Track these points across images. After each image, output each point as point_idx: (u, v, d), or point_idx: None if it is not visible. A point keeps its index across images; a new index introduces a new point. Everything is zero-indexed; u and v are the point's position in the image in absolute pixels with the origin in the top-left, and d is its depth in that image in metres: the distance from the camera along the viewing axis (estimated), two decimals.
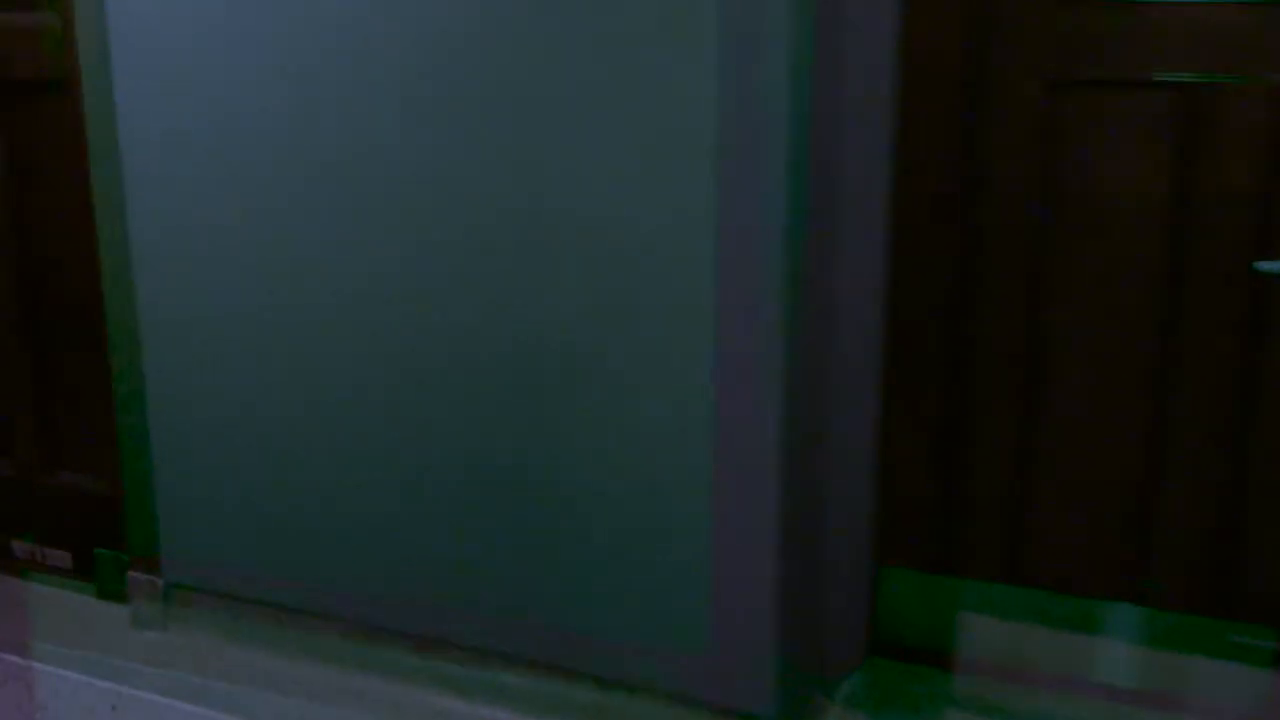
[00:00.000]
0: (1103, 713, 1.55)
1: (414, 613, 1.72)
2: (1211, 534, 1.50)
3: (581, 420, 1.56)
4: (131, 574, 1.92)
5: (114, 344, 1.84)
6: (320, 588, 1.77)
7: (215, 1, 1.63)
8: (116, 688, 1.78)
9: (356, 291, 1.65)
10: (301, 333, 1.70)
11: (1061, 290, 1.51)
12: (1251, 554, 1.49)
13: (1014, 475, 1.57)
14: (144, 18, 1.68)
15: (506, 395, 1.59)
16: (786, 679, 1.56)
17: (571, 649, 1.64)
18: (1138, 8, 1.41)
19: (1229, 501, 1.49)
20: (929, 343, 1.57)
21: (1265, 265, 1.41)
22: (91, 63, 1.75)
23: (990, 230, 1.52)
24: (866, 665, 1.65)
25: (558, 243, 1.52)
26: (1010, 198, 1.50)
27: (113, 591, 1.96)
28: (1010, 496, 1.58)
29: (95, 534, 1.99)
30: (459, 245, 1.58)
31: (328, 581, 1.76)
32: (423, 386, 1.64)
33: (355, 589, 1.75)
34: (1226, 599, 1.50)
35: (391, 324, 1.64)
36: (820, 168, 1.47)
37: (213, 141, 1.68)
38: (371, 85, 1.57)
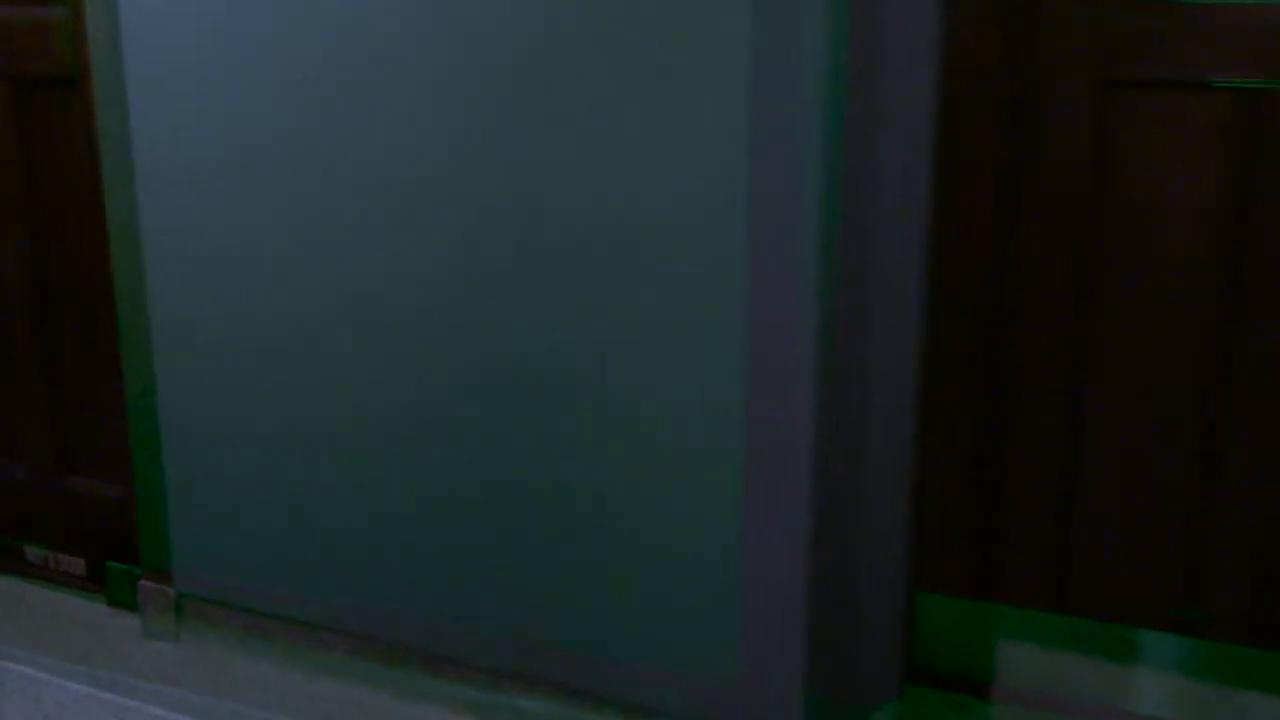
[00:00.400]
0: None
1: (430, 631, 1.70)
2: (1269, 561, 1.45)
3: (606, 434, 1.53)
4: (142, 583, 1.90)
5: (125, 345, 1.82)
6: (333, 602, 1.75)
7: None
8: (124, 701, 1.76)
9: (374, 294, 1.63)
10: (317, 337, 1.67)
11: (1110, 302, 1.46)
12: None
13: (1057, 499, 1.53)
14: (155, 13, 1.66)
15: (528, 408, 1.57)
16: (819, 708, 1.52)
17: (593, 674, 1.61)
18: (1194, 8, 1.36)
19: None
20: (969, 359, 1.53)
21: None
22: (103, 58, 1.73)
23: (1035, 237, 1.48)
24: (902, 694, 1.61)
25: (580, 246, 1.50)
26: (1056, 203, 1.46)
27: (124, 601, 1.95)
28: (1053, 520, 1.53)
29: (108, 540, 1.98)
30: (479, 246, 1.55)
31: (341, 596, 1.74)
32: (442, 397, 1.61)
33: (370, 605, 1.73)
34: None
35: (412, 330, 1.62)
36: (856, 169, 1.44)
37: (225, 139, 1.66)
38: (388, 81, 1.55)
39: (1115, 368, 1.48)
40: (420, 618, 1.70)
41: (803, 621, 1.48)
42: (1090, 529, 1.52)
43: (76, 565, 2.02)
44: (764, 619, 1.50)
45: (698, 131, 1.41)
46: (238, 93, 1.64)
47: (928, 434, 1.55)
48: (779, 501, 1.46)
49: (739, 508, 1.48)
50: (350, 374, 1.67)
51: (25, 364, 2.00)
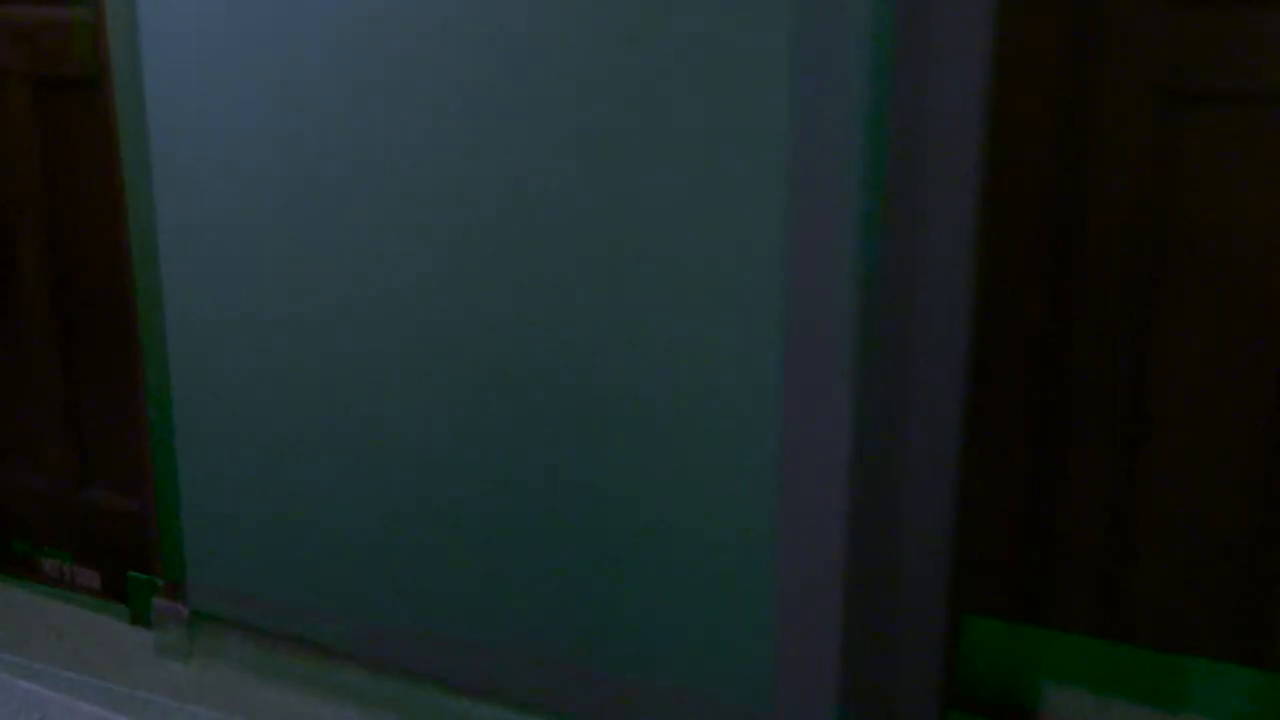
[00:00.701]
0: None
1: (451, 654, 1.67)
2: None
3: (635, 451, 1.50)
4: (156, 600, 1.89)
5: (146, 353, 1.81)
6: (354, 625, 1.73)
7: None
8: None
9: (397, 304, 1.61)
10: (340, 347, 1.65)
11: (1169, 322, 1.43)
12: None
13: (1112, 517, 1.48)
14: (175, 13, 1.66)
15: (560, 426, 1.54)
16: None
17: (622, 698, 1.58)
18: (1269, 14, 1.31)
19: None
20: (1018, 372, 1.49)
21: None
22: (122, 59, 1.72)
23: (1092, 256, 1.44)
24: None
25: (610, 255, 1.47)
26: (1116, 220, 1.42)
27: (146, 617, 1.94)
28: (1108, 540, 1.49)
29: (125, 553, 1.97)
30: (508, 250, 1.53)
31: (362, 619, 1.72)
32: (467, 410, 1.59)
33: (392, 628, 1.71)
34: None
35: (434, 340, 1.59)
36: (899, 174, 1.40)
37: (243, 141, 1.65)
38: (412, 82, 1.53)
39: (1177, 387, 1.44)
40: (441, 639, 1.68)
41: (838, 643, 1.45)
42: (1147, 552, 1.48)
43: (92, 578, 2.02)
44: (798, 641, 1.47)
45: (733, 131, 1.38)
46: (256, 94, 1.63)
47: (974, 450, 1.50)
48: (814, 518, 1.43)
49: (772, 525, 1.45)
50: (370, 386, 1.64)
51: (44, 370, 1.99)
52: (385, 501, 1.67)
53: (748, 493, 1.45)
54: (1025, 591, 1.54)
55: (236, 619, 1.82)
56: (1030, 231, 1.45)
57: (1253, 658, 1.44)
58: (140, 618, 1.94)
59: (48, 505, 2.04)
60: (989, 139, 1.42)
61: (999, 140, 1.42)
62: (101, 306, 1.91)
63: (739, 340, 1.42)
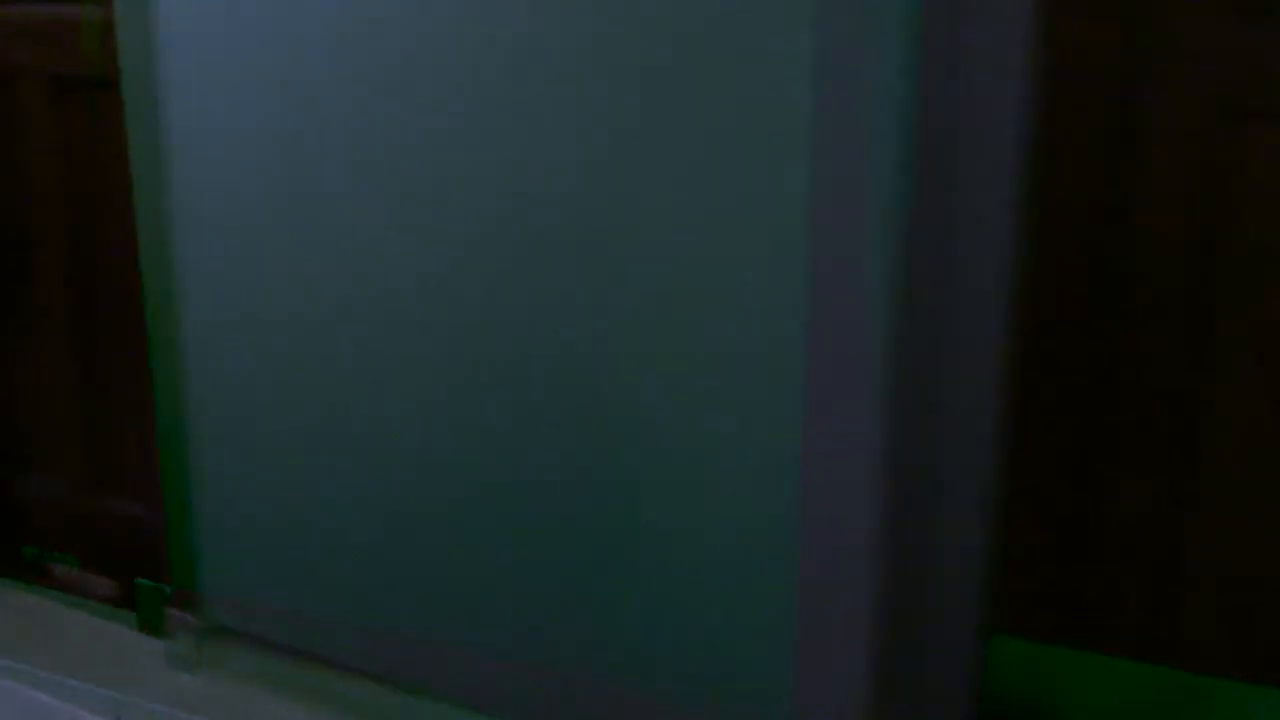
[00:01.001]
0: None
1: (471, 672, 1.66)
2: None
3: (652, 458, 1.49)
4: (168, 610, 1.88)
5: (158, 356, 1.80)
6: (370, 641, 1.72)
7: None
8: None
9: (413, 307, 1.59)
10: (354, 351, 1.64)
11: (1224, 340, 1.40)
12: None
13: (1154, 536, 1.46)
14: (189, 12, 1.66)
15: (570, 429, 1.53)
16: None
17: (635, 713, 1.56)
18: None
19: None
20: (1062, 384, 1.48)
21: None
22: (135, 58, 1.71)
23: (1141, 276, 1.42)
24: None
25: (629, 257, 1.46)
26: (1169, 236, 1.40)
27: (154, 625, 1.93)
28: (1148, 558, 1.47)
29: (136, 560, 1.96)
30: (518, 256, 1.52)
31: (377, 635, 1.71)
32: (490, 421, 1.57)
33: (405, 640, 1.69)
34: None
35: (455, 344, 1.58)
36: (933, 187, 1.37)
37: (258, 141, 1.64)
38: (432, 83, 1.52)
39: (1228, 401, 1.42)
40: (457, 653, 1.66)
41: (862, 661, 1.43)
42: (1191, 573, 1.46)
43: (102, 585, 2.01)
44: (819, 658, 1.45)
45: (754, 130, 1.36)
46: (269, 94, 1.62)
47: (1010, 464, 1.47)
48: (839, 531, 1.41)
49: (794, 538, 1.42)
50: (387, 394, 1.63)
51: (56, 374, 1.99)
52: (400, 510, 1.65)
53: (769, 504, 1.43)
54: (1062, 612, 1.52)
55: (247, 630, 1.81)
56: (1081, 245, 1.44)
57: None
58: (149, 626, 1.93)
59: (58, 510, 2.03)
60: (1035, 148, 1.39)
61: (1048, 150, 1.40)
62: (115, 309, 1.90)
63: (761, 344, 1.40)
